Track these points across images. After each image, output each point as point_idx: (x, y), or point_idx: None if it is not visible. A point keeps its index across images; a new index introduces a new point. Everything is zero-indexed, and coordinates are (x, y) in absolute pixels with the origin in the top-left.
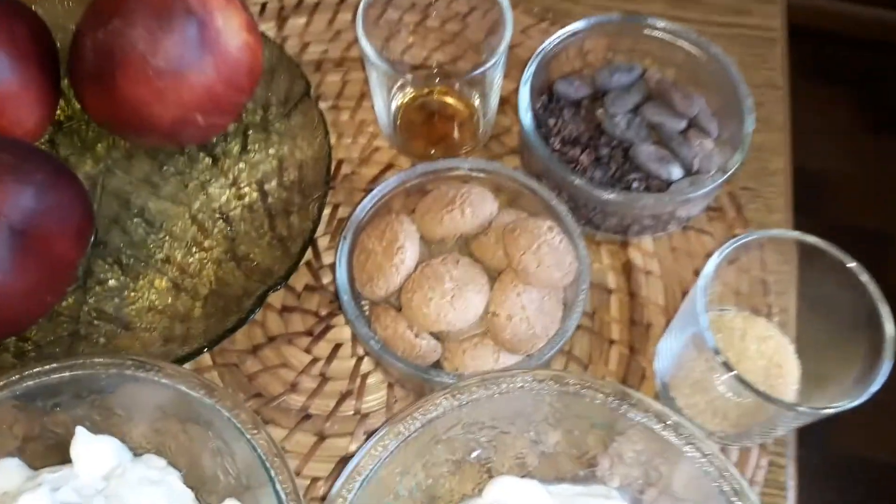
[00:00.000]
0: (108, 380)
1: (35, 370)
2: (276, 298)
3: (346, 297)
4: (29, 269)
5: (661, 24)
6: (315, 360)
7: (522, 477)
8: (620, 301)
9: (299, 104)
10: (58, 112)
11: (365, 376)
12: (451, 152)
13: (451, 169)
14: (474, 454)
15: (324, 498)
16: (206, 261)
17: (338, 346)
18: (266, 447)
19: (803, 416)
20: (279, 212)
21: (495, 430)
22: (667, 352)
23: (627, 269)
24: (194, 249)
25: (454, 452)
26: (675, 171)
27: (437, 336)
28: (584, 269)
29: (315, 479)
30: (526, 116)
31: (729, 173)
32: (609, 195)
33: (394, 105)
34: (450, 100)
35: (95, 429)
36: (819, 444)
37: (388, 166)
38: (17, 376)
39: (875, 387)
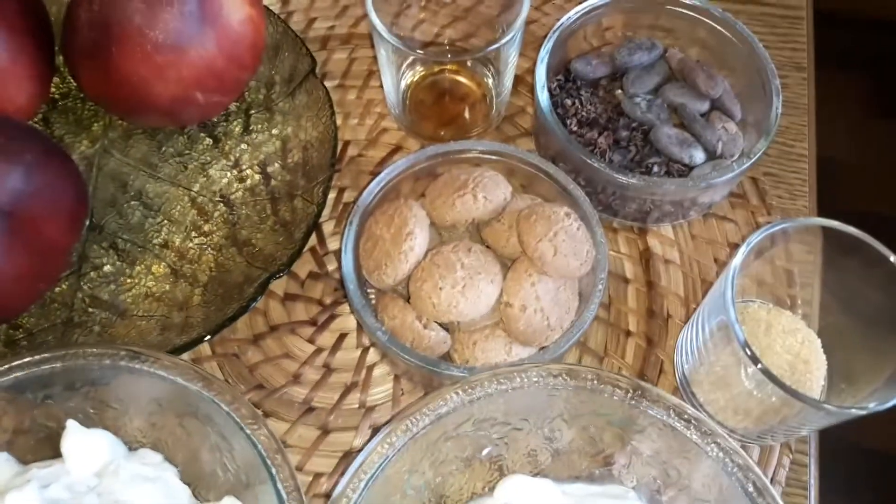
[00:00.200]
0: (102, 371)
1: (25, 360)
2: (279, 286)
3: (351, 285)
4: (17, 254)
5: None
6: (319, 351)
7: (535, 475)
8: (638, 291)
9: (304, 83)
10: (52, 89)
11: (371, 368)
12: (462, 134)
13: (462, 151)
14: (485, 451)
15: (327, 495)
16: (205, 246)
17: (343, 336)
18: (266, 443)
19: (832, 416)
20: (282, 195)
21: (507, 427)
22: (688, 345)
23: (646, 258)
24: (194, 234)
25: (464, 450)
26: (698, 156)
27: (447, 327)
28: (602, 257)
29: (318, 475)
30: (542, 96)
31: (754, 159)
32: (628, 180)
33: (403, 84)
34: (462, 79)
35: (88, 422)
36: (843, 439)
37: (397, 148)
38: (6, 366)
39: None
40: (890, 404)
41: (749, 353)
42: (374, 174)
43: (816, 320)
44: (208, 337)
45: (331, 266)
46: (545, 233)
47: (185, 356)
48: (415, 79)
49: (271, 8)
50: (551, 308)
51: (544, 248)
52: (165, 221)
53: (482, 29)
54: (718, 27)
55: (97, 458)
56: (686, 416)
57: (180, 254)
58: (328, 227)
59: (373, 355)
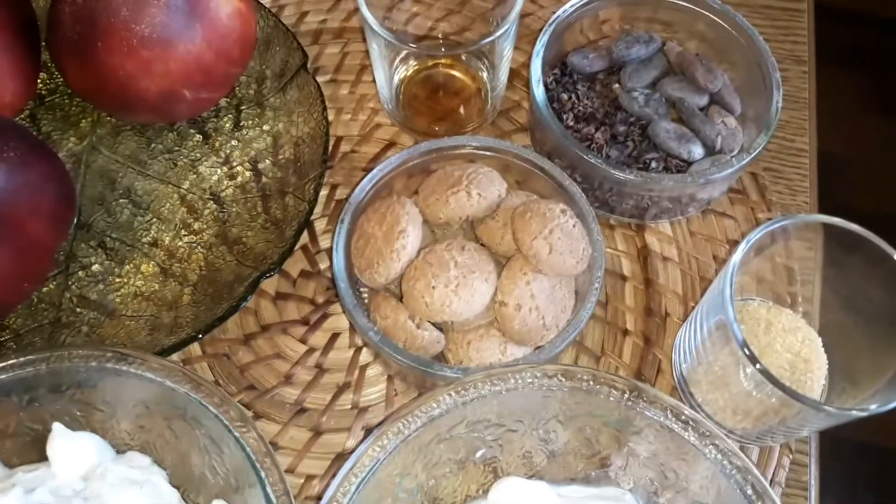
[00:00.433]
0: (88, 373)
1: (10, 362)
2: (270, 285)
3: (343, 284)
4: (0, 253)
5: None
6: (311, 351)
7: (530, 477)
8: (635, 289)
9: (295, 77)
10: (39, 85)
11: (363, 368)
12: (456, 129)
13: (456, 147)
14: (479, 454)
15: (320, 497)
16: (195, 244)
17: (335, 336)
18: (255, 446)
19: (832, 417)
20: (273, 192)
21: (501, 429)
22: (686, 344)
23: (643, 255)
24: (183, 232)
25: (457, 452)
26: (696, 151)
27: (441, 327)
28: (598, 255)
29: (310, 477)
30: (537, 91)
31: (754, 154)
32: (626, 176)
33: (396, 79)
34: (456, 73)
35: (75, 425)
36: (843, 439)
37: (390, 144)
38: None
39: None
40: (892, 406)
41: (748, 352)
42: (367, 170)
43: (817, 318)
44: (198, 337)
45: (323, 264)
46: (540, 230)
47: (175, 357)
48: (408, 73)
49: (262, 1)
50: (547, 307)
51: (539, 246)
52: (154, 219)
53: (476, 22)
54: (718, 20)
55: (84, 462)
56: (684, 417)
57: (170, 252)
58: (320, 225)
59: (366, 355)
